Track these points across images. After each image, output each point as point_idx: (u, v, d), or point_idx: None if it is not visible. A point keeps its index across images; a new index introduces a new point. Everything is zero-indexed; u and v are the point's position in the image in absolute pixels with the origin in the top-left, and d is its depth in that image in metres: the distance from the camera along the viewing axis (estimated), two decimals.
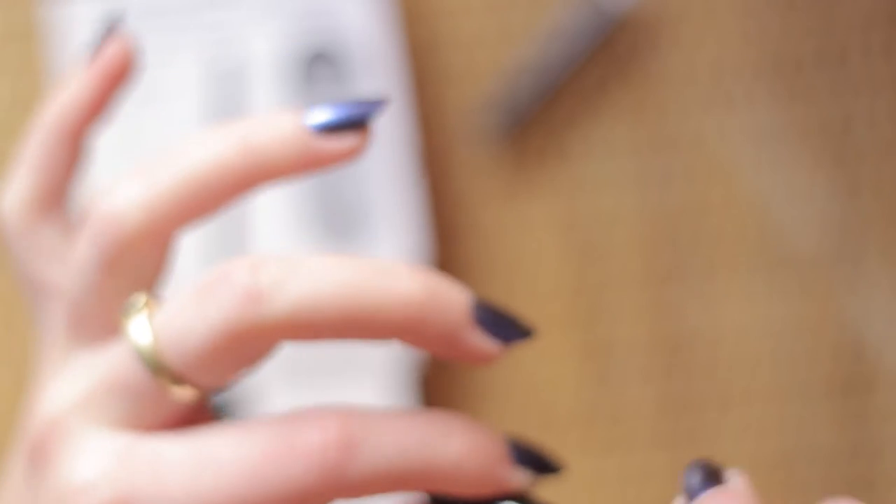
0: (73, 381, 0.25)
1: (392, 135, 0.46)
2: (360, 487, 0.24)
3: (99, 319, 0.26)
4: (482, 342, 0.25)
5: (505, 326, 0.25)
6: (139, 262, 0.25)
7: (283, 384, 0.46)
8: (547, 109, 0.50)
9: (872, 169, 0.50)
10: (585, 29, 0.49)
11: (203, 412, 0.26)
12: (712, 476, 0.23)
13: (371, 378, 0.46)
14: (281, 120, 0.25)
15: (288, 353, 0.46)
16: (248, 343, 0.23)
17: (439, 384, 0.50)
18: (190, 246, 0.46)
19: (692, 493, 0.23)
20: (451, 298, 0.24)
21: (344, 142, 0.25)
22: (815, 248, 0.50)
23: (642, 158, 0.50)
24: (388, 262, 0.24)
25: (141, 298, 0.25)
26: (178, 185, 0.25)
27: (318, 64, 0.46)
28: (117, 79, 0.28)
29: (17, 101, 0.49)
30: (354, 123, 0.25)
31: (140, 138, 0.46)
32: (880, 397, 0.50)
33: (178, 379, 0.24)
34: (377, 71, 0.46)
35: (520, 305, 0.50)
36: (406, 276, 0.24)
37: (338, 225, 0.46)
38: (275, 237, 0.46)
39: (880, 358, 0.50)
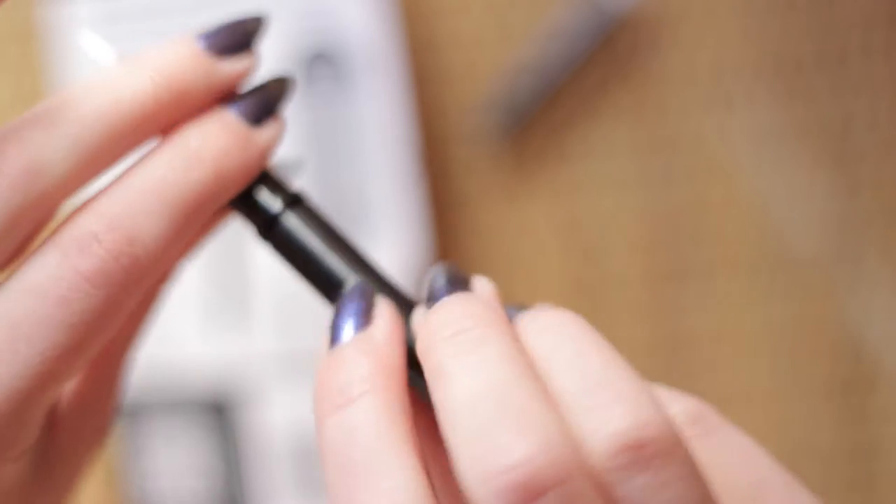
0: None
1: (392, 134, 0.46)
2: None
3: None
4: (228, 66, 0.26)
5: (230, 35, 0.27)
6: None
7: (280, 383, 0.46)
8: (547, 109, 0.50)
9: (872, 169, 0.50)
10: (585, 29, 0.49)
11: None
12: (457, 281, 0.24)
13: None
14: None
15: (286, 353, 0.46)
16: None
17: None
18: None
19: (436, 296, 0.24)
20: (185, 68, 0.25)
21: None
22: (815, 248, 0.50)
23: (642, 159, 0.50)
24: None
25: None
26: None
27: (318, 64, 0.46)
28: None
29: (17, 101, 0.49)
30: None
31: None
32: (880, 397, 0.50)
33: None
34: (377, 71, 0.46)
35: None
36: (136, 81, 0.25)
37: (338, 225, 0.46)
38: None
39: (880, 358, 0.50)
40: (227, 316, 0.46)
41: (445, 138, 0.50)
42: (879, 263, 0.50)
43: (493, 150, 0.50)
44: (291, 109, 0.46)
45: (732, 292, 0.50)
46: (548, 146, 0.50)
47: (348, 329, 0.23)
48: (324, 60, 0.46)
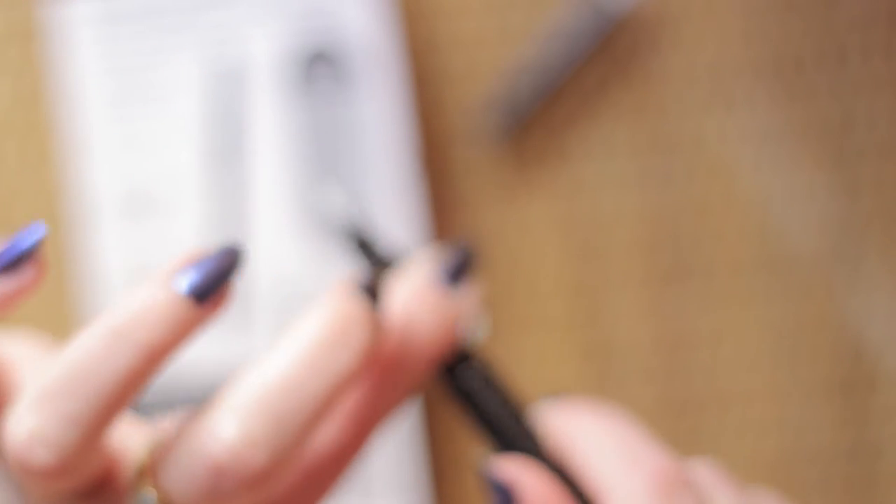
0: None
1: (392, 134, 0.46)
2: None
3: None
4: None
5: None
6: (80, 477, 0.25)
7: None
8: (547, 109, 0.50)
9: (872, 169, 0.50)
10: (585, 29, 0.49)
11: None
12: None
13: None
14: (157, 300, 0.25)
15: None
16: None
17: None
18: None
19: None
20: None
21: (217, 303, 0.26)
22: (815, 248, 0.50)
23: (642, 159, 0.50)
24: (317, 347, 0.26)
25: (151, 495, 0.25)
26: (87, 417, 0.24)
27: (318, 64, 0.46)
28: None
29: (17, 101, 0.49)
30: (221, 279, 0.26)
31: (140, 139, 0.46)
32: (880, 397, 0.50)
33: None
34: (377, 71, 0.46)
35: (520, 305, 0.50)
36: (357, 340, 0.26)
37: None
38: (275, 241, 0.46)
39: (880, 358, 0.50)
40: (227, 316, 0.46)
41: (445, 138, 0.50)
42: (879, 263, 0.50)
43: (493, 150, 0.50)
44: (291, 109, 0.46)
45: (732, 292, 0.50)
46: (548, 146, 0.50)
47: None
48: (324, 60, 0.46)
